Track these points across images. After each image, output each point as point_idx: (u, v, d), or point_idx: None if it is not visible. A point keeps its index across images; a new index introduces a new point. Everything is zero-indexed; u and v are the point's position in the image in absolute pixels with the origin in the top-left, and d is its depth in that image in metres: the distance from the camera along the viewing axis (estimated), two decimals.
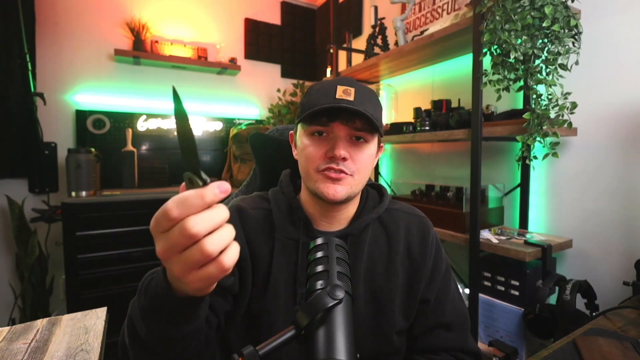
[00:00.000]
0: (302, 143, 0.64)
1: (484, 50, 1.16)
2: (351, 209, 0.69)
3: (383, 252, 0.69)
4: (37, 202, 1.99)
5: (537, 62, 1.08)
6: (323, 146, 0.61)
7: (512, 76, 1.12)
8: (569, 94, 1.07)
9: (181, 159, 0.34)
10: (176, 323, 0.43)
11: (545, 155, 1.13)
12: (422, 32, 1.63)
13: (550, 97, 1.08)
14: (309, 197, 0.67)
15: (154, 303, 0.42)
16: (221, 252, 0.34)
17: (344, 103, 0.59)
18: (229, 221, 0.35)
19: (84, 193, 1.80)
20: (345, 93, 0.61)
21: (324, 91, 0.61)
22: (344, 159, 0.60)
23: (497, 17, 1.08)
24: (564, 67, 1.06)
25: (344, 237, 0.66)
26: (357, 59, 2.22)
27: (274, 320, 0.62)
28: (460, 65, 1.75)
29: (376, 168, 2.23)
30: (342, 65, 2.30)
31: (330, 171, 0.60)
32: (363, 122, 0.61)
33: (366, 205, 0.70)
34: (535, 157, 1.19)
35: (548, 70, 1.07)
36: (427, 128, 1.58)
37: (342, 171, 0.60)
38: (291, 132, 0.72)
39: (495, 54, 1.14)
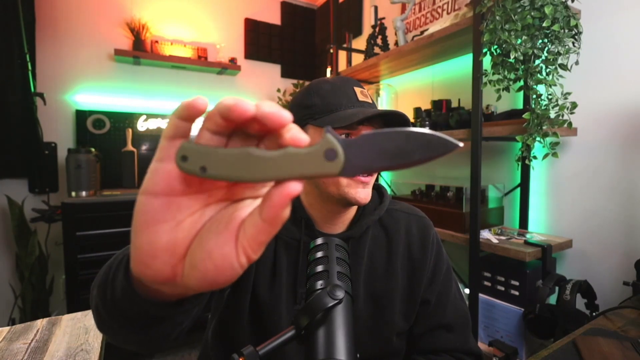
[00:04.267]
0: None
1: (484, 50, 1.16)
2: (353, 210, 0.68)
3: (383, 253, 0.68)
4: (37, 202, 1.99)
5: (537, 62, 1.08)
6: None
7: (512, 76, 1.12)
8: (569, 94, 1.07)
9: None
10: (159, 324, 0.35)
11: (545, 155, 1.13)
12: (422, 32, 1.63)
13: (550, 97, 1.08)
14: (315, 199, 0.66)
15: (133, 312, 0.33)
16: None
17: (367, 106, 0.61)
18: None
19: (84, 193, 1.80)
20: (363, 95, 0.62)
21: (342, 92, 0.61)
22: None
23: (497, 17, 1.08)
24: (564, 67, 1.06)
25: (345, 240, 0.65)
26: (357, 59, 2.22)
27: (276, 319, 0.62)
28: (460, 65, 1.75)
29: None
30: (342, 65, 2.29)
31: (363, 175, 0.60)
32: (381, 124, 0.61)
33: (367, 207, 0.69)
34: (535, 157, 1.19)
35: (548, 70, 1.07)
36: (427, 128, 1.58)
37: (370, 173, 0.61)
38: None
39: (495, 54, 1.14)
